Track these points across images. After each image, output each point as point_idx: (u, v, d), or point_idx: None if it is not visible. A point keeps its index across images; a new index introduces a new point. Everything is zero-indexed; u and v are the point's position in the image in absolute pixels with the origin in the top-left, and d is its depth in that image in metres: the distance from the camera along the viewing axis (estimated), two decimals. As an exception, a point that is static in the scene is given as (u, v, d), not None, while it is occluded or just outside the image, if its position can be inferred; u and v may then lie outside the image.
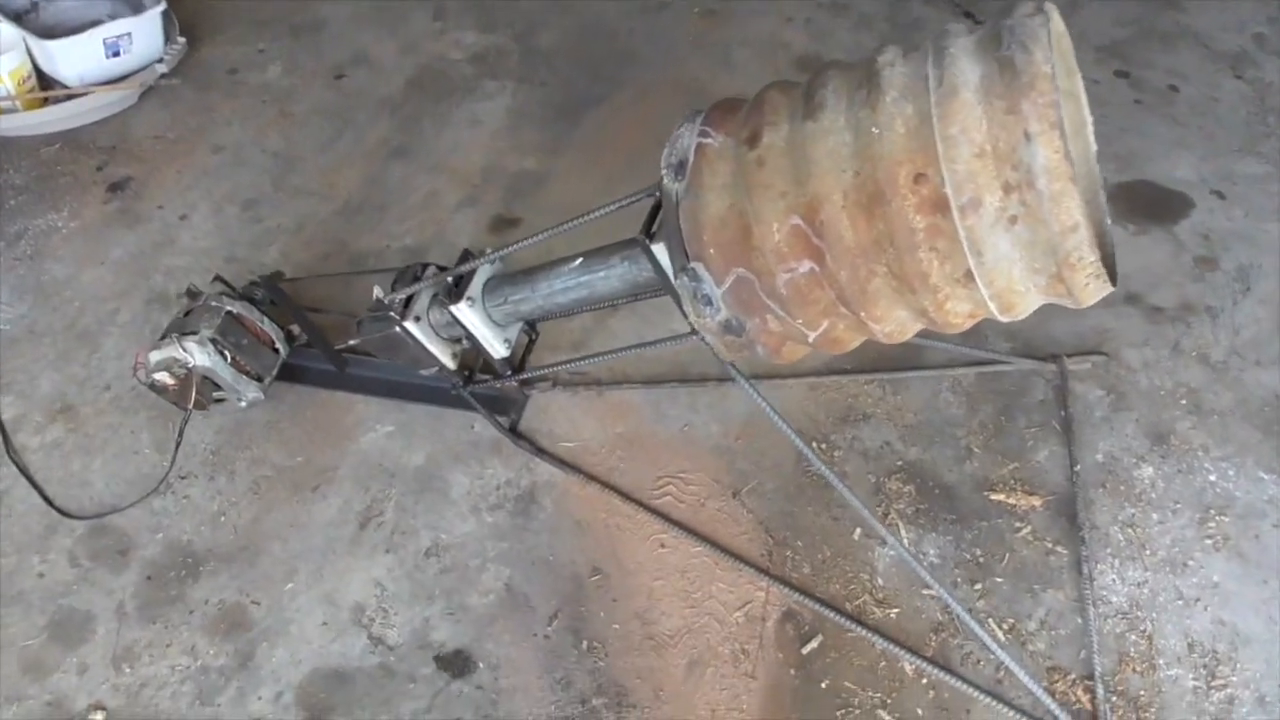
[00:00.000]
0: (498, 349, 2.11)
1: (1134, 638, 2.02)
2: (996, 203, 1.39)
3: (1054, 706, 1.87)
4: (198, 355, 2.16)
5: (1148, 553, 2.15)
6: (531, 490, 2.28)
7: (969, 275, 1.46)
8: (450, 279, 2.06)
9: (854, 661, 2.00)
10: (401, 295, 2.10)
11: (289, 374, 2.42)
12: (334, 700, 1.96)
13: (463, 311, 2.03)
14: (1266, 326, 2.60)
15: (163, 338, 2.22)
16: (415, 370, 2.25)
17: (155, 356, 2.19)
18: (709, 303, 1.64)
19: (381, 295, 2.21)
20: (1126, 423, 2.39)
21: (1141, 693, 1.95)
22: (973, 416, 2.41)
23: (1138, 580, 2.11)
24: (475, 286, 2.05)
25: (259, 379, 2.28)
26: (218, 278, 2.34)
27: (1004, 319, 1.54)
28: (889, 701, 1.94)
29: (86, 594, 2.12)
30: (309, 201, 2.97)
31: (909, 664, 1.99)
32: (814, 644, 2.03)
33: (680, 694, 1.96)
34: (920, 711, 1.93)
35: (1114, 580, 2.11)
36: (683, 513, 2.24)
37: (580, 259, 1.95)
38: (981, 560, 2.15)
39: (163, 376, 2.20)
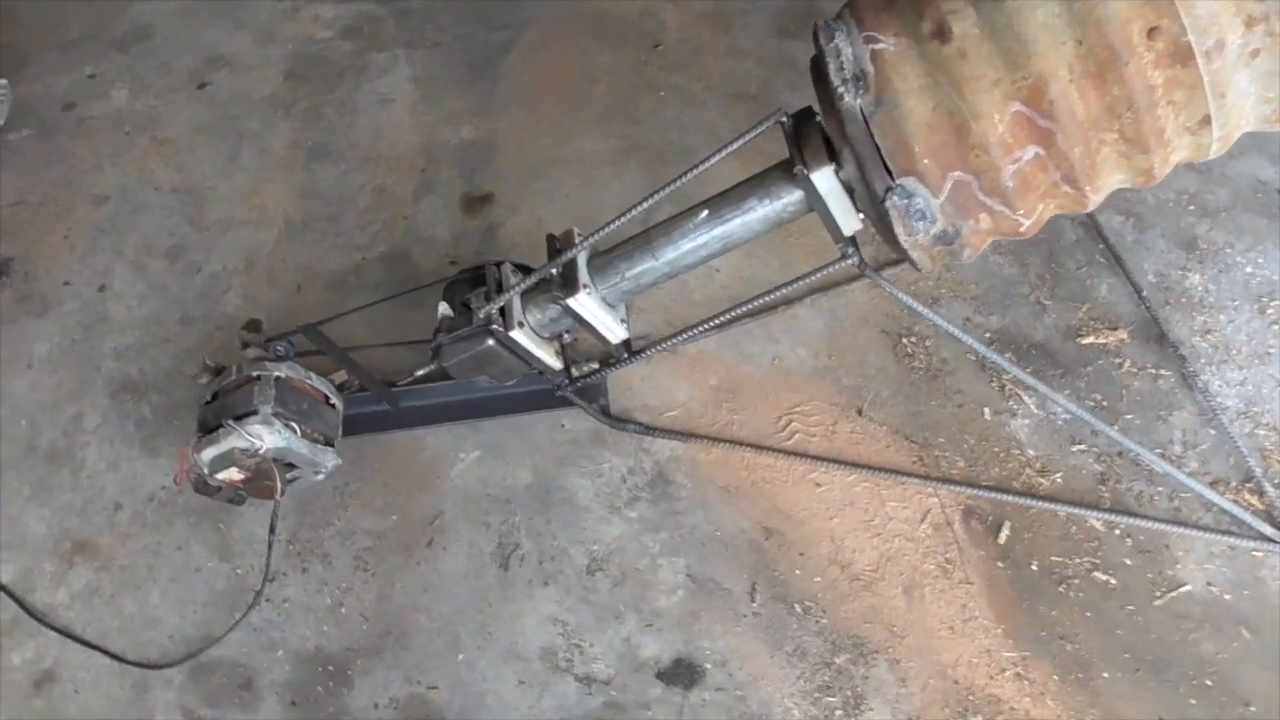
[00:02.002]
0: (617, 332, 1.91)
1: (1263, 432, 2.14)
2: (1239, 40, 1.36)
3: (1241, 513, 1.96)
4: (268, 437, 1.82)
5: (1234, 352, 2.27)
6: (659, 471, 2.11)
7: (1204, 121, 1.44)
8: (555, 271, 1.83)
9: (1048, 535, 2.01)
10: (496, 305, 1.85)
11: (339, 428, 2.10)
12: (572, 756, 1.77)
13: (581, 302, 1.81)
14: (1222, 121, 2.77)
15: (208, 430, 1.85)
16: (502, 383, 2.02)
17: (211, 453, 1.82)
18: (923, 216, 1.53)
19: (449, 312, 1.95)
20: (1155, 239, 2.49)
21: (1291, 478, 2.07)
22: (1027, 272, 2.44)
23: (1238, 380, 2.22)
24: (583, 272, 1.83)
25: (329, 443, 1.96)
26: (246, 343, 1.96)
27: (1208, 159, 1.54)
28: (1097, 562, 1.97)
29: (227, 745, 1.79)
30: (244, 232, 2.56)
31: (1096, 521, 2.02)
32: (1005, 531, 2.01)
33: (912, 622, 1.90)
34: (1128, 561, 1.97)
35: (1220, 386, 2.21)
36: (819, 445, 2.15)
37: (705, 211, 1.78)
38: (1105, 404, 2.19)
39: (229, 474, 1.84)
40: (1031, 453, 2.13)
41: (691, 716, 1.80)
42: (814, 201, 1.67)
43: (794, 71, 2.88)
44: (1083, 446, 2.12)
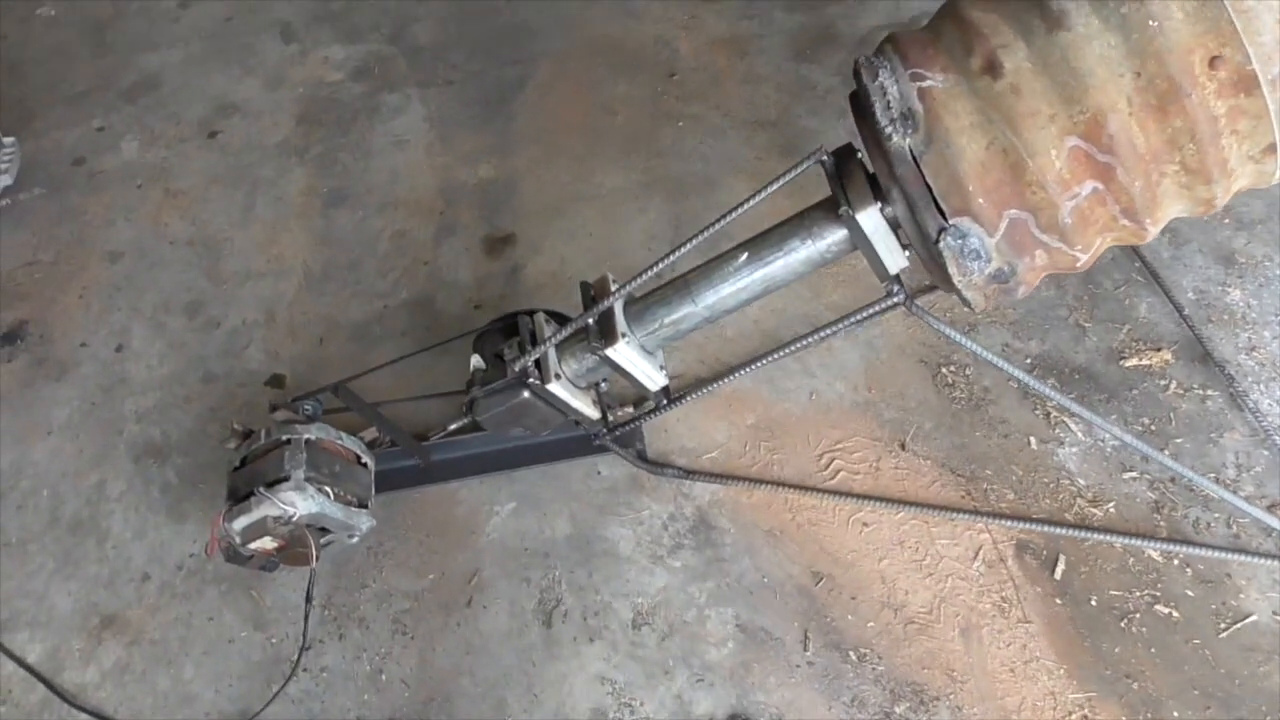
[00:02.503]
0: (657, 379, 1.85)
1: (1318, 451, 2.09)
2: (1305, 65, 1.31)
3: (1305, 540, 1.91)
4: (301, 503, 1.76)
5: (1281, 368, 2.22)
6: (701, 517, 2.06)
7: (1269, 149, 1.38)
8: (591, 320, 1.78)
9: (1105, 568, 1.95)
10: (531, 358, 1.80)
11: (370, 486, 2.04)
12: (629, 823, 1.71)
13: (620, 351, 1.76)
14: (1251, 129, 2.72)
15: (238, 499, 1.79)
16: (538, 434, 1.97)
17: (243, 522, 1.76)
18: (978, 256, 1.47)
19: (482, 365, 1.89)
20: (1193, 255, 2.44)
21: (1352, 500, 2.01)
22: (1064, 293, 2.38)
23: (1288, 397, 2.17)
24: (621, 321, 1.78)
25: (363, 504, 1.90)
26: (275, 406, 1.91)
27: (1267, 185, 1.49)
28: (1158, 594, 1.91)
29: (274, 826, 1.73)
30: (263, 284, 2.51)
31: (1153, 551, 1.96)
32: (1061, 566, 1.95)
33: (972, 666, 1.84)
34: (1189, 592, 1.91)
35: (1270, 405, 2.16)
36: (863, 483, 2.09)
37: (745, 253, 1.72)
38: (1153, 428, 2.14)
39: (262, 543, 1.78)
40: (1082, 482, 2.07)
41: (751, 776, 1.74)
42: (859, 241, 1.62)
43: (814, 95, 2.84)
44: (1134, 473, 2.07)
